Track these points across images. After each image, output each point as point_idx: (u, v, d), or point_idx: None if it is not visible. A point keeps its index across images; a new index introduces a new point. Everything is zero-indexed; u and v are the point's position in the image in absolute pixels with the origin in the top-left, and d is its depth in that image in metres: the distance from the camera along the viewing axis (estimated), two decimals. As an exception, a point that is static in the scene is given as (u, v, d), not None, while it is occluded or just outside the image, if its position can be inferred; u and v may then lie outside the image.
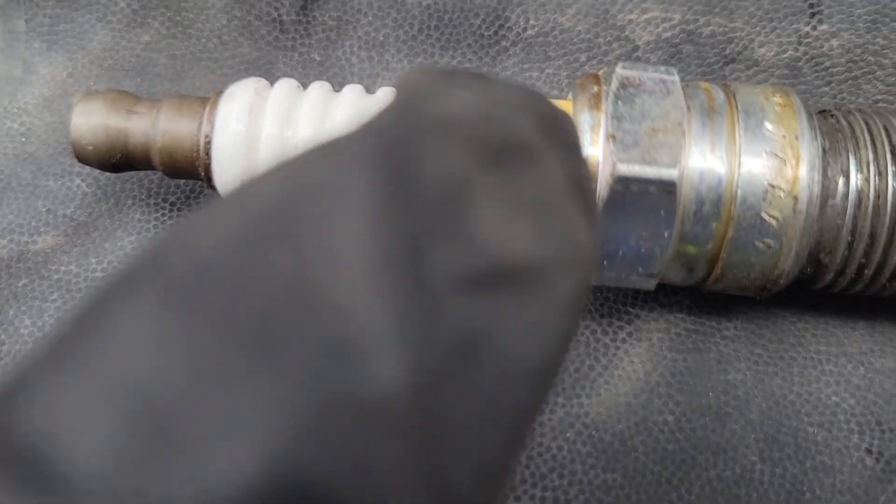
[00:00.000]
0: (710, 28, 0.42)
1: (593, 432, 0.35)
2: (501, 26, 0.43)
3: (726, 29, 0.42)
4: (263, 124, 0.35)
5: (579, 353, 0.37)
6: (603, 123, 0.32)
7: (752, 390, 0.36)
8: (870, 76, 0.41)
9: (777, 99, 0.33)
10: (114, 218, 0.39)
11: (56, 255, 0.38)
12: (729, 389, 0.36)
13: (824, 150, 0.33)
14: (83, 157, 0.35)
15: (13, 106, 0.43)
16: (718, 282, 0.34)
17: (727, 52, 0.42)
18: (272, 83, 0.37)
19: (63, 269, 0.38)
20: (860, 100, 0.42)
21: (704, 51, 0.42)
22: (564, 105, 0.35)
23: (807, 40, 0.42)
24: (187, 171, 0.36)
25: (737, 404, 0.36)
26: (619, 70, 0.33)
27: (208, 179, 0.36)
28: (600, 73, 0.35)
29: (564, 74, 0.43)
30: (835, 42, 0.42)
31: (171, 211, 0.40)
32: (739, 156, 0.32)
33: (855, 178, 0.32)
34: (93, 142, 0.35)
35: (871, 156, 0.33)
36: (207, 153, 0.35)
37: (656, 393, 0.36)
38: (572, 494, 0.33)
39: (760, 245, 0.32)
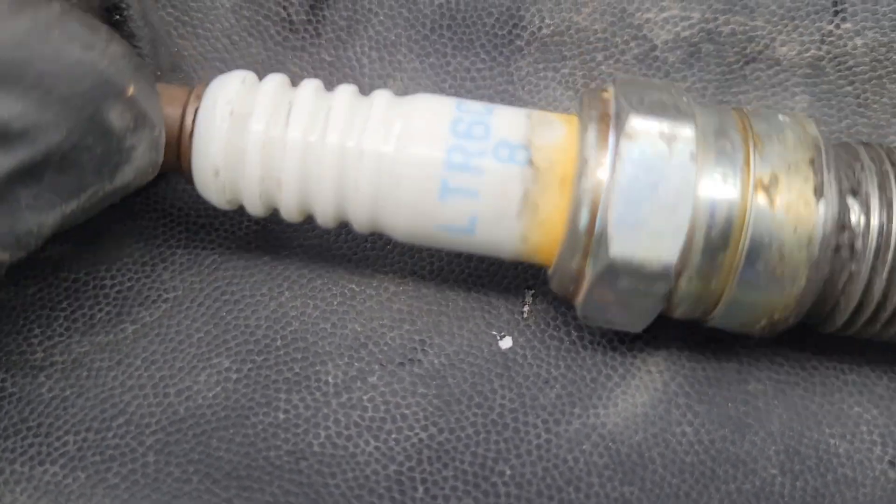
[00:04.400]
0: (730, 27, 0.41)
1: (610, 444, 0.34)
2: (516, 25, 0.42)
3: (747, 27, 0.41)
4: (250, 123, 0.33)
5: (595, 361, 0.36)
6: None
7: (773, 401, 0.35)
8: (895, 75, 0.40)
9: (795, 129, 0.32)
10: (123, 224, 0.39)
11: (65, 263, 0.38)
12: (749, 400, 0.35)
13: (841, 187, 0.31)
14: None
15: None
16: (722, 318, 0.33)
17: (748, 51, 0.41)
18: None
19: (73, 276, 0.37)
20: (884, 100, 0.40)
21: (724, 50, 0.41)
22: (568, 119, 0.33)
23: (830, 39, 0.41)
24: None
25: (757, 415, 0.35)
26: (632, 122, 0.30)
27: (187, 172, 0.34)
28: (606, 94, 0.33)
29: (580, 74, 0.42)
30: (859, 41, 0.40)
31: (178, 217, 0.40)
32: (752, 188, 0.30)
33: (876, 217, 0.31)
34: None
35: (892, 194, 0.31)
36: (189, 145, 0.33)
37: (674, 403, 0.35)
38: (589, 508, 0.33)
39: (768, 282, 0.31)
